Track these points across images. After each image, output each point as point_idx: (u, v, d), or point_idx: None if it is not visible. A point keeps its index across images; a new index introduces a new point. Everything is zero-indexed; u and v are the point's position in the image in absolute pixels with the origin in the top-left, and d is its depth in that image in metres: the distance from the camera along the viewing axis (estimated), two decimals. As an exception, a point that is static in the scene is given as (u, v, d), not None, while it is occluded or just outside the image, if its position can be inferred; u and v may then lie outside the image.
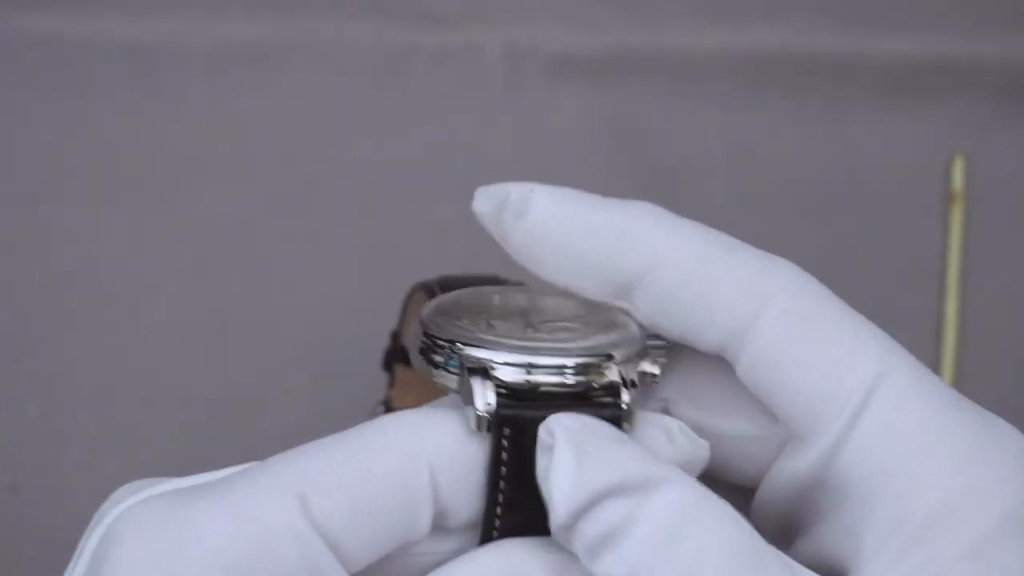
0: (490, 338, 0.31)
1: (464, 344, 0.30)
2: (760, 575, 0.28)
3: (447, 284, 0.44)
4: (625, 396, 0.30)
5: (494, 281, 0.42)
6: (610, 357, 0.30)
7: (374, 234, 0.58)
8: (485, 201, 0.32)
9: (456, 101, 0.59)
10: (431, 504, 0.30)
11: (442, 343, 0.31)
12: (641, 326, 0.31)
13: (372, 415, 0.40)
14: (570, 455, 0.28)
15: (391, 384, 0.50)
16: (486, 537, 0.30)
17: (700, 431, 0.31)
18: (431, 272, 0.58)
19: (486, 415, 0.29)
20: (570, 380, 0.30)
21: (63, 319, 0.57)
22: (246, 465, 0.31)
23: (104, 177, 0.59)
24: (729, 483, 0.32)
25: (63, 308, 0.57)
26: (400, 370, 0.50)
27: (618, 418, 0.29)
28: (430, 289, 0.45)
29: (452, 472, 0.30)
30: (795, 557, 0.30)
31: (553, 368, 0.30)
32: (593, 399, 0.30)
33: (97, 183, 0.59)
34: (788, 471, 0.31)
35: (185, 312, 0.57)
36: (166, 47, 0.59)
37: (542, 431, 0.29)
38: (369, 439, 0.30)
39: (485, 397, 0.30)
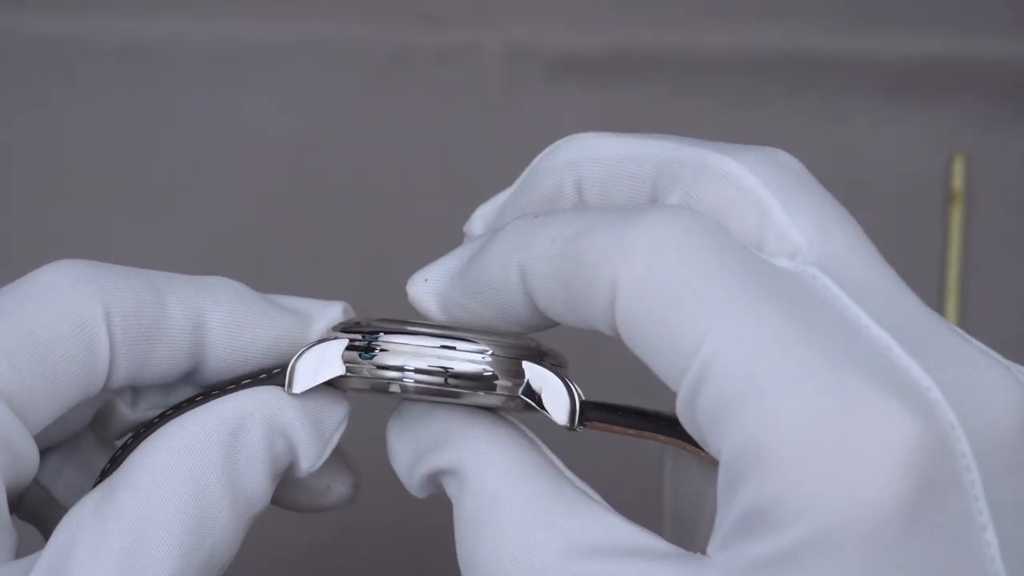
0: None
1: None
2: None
3: None
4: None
5: None
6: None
7: (374, 234, 0.58)
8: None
9: (456, 101, 0.59)
10: (108, 361, 0.32)
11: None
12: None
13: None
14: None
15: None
16: None
17: None
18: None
19: None
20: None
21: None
22: None
23: (104, 177, 0.59)
24: None
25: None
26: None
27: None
28: None
29: (129, 330, 0.32)
30: None
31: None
32: None
33: (97, 183, 0.59)
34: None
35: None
36: (166, 47, 0.59)
37: None
38: (41, 300, 0.31)
39: None
